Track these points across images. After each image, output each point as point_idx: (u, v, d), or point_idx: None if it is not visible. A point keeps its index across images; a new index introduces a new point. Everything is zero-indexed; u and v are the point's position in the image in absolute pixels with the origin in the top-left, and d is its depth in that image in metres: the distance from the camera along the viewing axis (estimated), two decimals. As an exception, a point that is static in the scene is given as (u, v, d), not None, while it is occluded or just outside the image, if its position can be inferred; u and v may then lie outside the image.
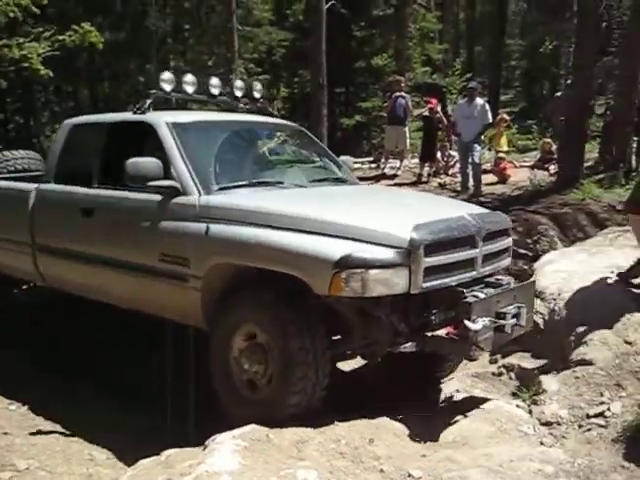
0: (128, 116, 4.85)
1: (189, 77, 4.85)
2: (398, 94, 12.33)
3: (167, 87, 4.76)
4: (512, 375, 4.60)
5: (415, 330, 3.63)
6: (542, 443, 3.58)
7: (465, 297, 3.54)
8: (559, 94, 14.61)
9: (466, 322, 3.44)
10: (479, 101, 10.60)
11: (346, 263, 3.35)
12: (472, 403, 4.05)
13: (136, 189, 4.31)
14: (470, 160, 10.40)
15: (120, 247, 4.50)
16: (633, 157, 10.69)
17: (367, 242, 3.45)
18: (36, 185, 5.28)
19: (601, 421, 3.70)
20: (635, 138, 10.74)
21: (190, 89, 4.87)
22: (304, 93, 18.75)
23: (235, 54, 17.70)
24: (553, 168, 11.38)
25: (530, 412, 3.95)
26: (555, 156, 11.76)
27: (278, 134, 5.49)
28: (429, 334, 3.66)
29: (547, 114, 16.26)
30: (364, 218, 3.68)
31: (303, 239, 3.52)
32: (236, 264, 3.81)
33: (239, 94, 5.17)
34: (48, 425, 4.48)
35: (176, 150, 4.31)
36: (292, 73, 21.78)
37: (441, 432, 3.69)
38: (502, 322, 3.59)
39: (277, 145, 5.39)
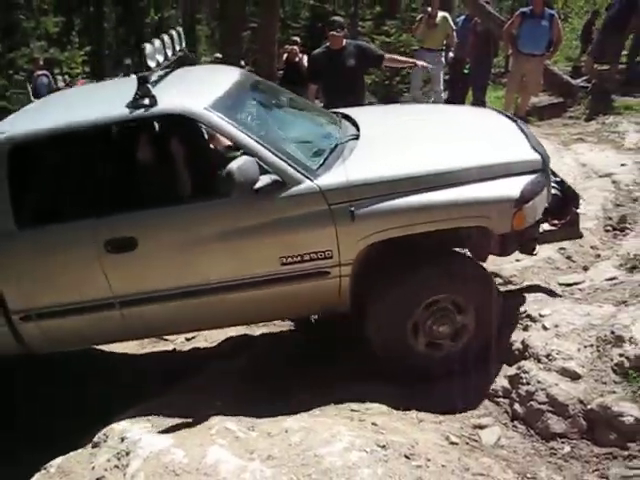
0: (127, 112, 3.66)
1: (149, 47, 3.81)
2: (40, 72, 11.64)
3: (153, 63, 3.82)
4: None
5: None
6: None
7: (571, 189, 4.23)
8: None
9: (575, 209, 4.16)
10: None
11: (523, 198, 3.52)
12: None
13: (201, 198, 3.72)
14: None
15: (211, 270, 3.68)
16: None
17: (517, 174, 3.62)
18: None
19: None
20: None
21: (163, 56, 3.98)
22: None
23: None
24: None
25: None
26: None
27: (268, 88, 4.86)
28: (542, 230, 4.09)
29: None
30: (492, 153, 3.79)
31: (473, 190, 3.52)
32: (393, 237, 3.53)
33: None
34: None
35: (248, 138, 3.58)
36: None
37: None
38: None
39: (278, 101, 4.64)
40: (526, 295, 4.23)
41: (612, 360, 3.32)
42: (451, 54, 10.01)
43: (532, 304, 4.03)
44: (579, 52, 13.96)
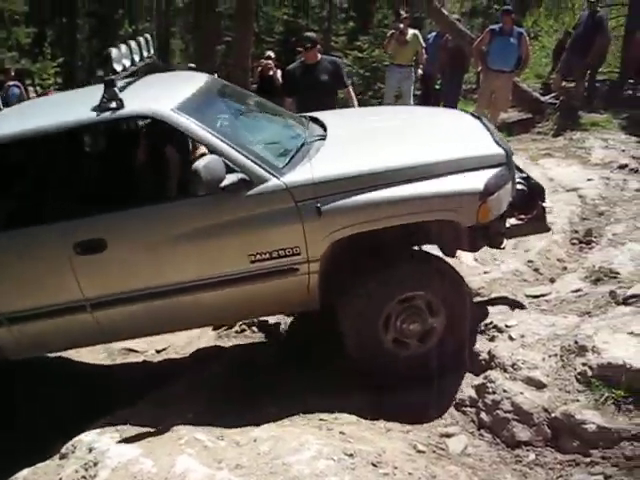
0: (94, 116, 3.68)
1: (115, 52, 3.84)
2: (11, 83, 11.52)
3: (119, 67, 3.85)
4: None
5: None
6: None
7: (537, 184, 4.26)
8: None
9: (542, 203, 4.19)
10: None
11: (487, 191, 3.58)
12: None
13: (168, 199, 3.80)
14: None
15: (180, 270, 3.69)
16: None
17: (480, 168, 3.67)
18: None
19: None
20: None
21: (129, 61, 4.01)
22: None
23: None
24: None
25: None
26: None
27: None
28: (509, 225, 4.12)
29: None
30: (456, 148, 3.85)
31: (438, 184, 3.57)
32: (361, 232, 3.55)
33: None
34: None
35: (215, 138, 3.61)
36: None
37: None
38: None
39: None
40: (493, 306, 4.30)
41: (576, 369, 3.38)
42: (420, 71, 10.16)
43: (499, 315, 4.10)
44: (549, 70, 14.23)
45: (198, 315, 3.92)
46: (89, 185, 3.90)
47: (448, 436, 3.38)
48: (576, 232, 5.70)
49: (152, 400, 3.96)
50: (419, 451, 3.17)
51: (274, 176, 3.58)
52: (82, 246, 3.62)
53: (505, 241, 4.10)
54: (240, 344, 4.98)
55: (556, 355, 3.51)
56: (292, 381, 3.97)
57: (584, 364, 3.36)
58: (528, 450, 3.22)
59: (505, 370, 3.53)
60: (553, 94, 10.82)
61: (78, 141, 4.05)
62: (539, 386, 3.38)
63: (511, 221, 4.15)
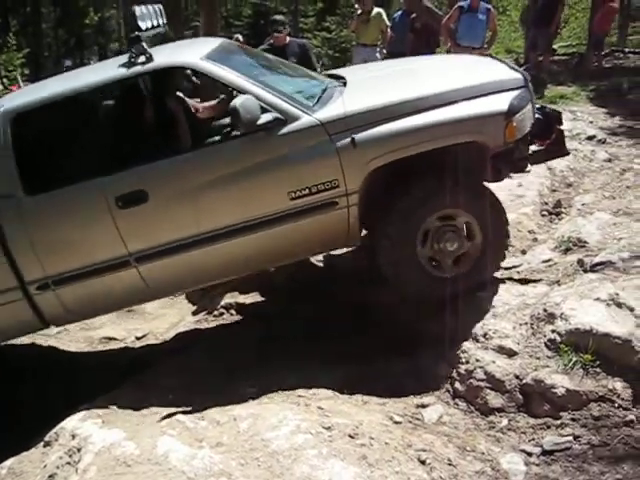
0: (126, 71, 3.81)
1: (139, 10, 3.94)
2: None
3: (144, 25, 3.95)
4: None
5: None
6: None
7: (553, 110, 4.43)
8: None
9: (559, 127, 4.28)
10: None
11: (512, 110, 3.73)
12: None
13: (204, 145, 3.97)
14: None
15: (223, 213, 3.75)
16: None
17: (502, 91, 3.83)
18: None
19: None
20: None
21: (150, 22, 4.10)
22: None
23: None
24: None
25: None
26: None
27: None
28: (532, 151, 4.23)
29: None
30: (477, 75, 4.08)
31: (464, 107, 3.70)
32: (396, 159, 3.67)
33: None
34: None
35: (246, 81, 3.76)
36: None
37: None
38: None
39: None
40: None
41: (545, 336, 3.48)
42: (384, 50, 10.15)
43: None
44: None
45: (241, 261, 3.94)
46: (126, 139, 3.98)
47: (424, 406, 3.46)
48: (546, 204, 5.81)
49: (133, 385, 4.01)
50: (395, 422, 3.25)
51: (306, 113, 3.71)
52: (124, 199, 3.69)
53: (530, 166, 4.26)
54: (219, 326, 5.03)
55: (526, 323, 3.61)
56: (270, 360, 4.03)
57: (553, 331, 3.46)
58: (501, 416, 3.32)
59: (477, 340, 3.63)
60: (524, 66, 10.91)
61: (110, 97, 4.22)
62: (510, 354, 3.48)
63: (532, 148, 4.27)
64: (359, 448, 2.86)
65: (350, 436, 2.93)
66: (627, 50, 14.09)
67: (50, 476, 3.08)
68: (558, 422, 3.15)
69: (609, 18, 11.63)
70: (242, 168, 3.68)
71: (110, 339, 5.50)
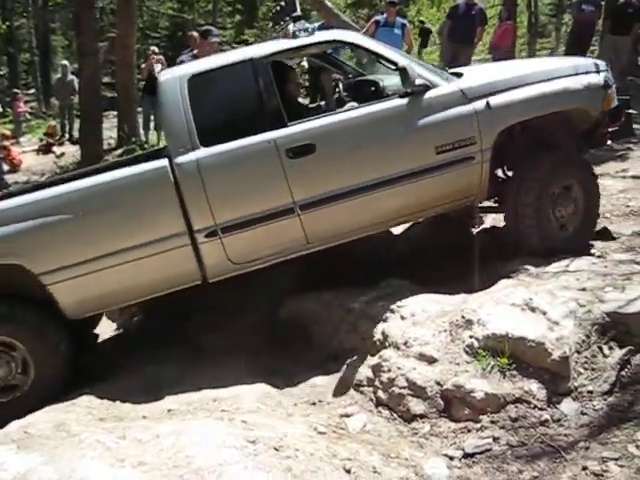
0: (293, 42, 4.45)
1: None
2: None
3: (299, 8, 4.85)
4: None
5: None
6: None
7: (622, 97, 5.01)
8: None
9: (627, 111, 5.06)
10: None
11: (607, 84, 4.66)
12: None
13: (366, 102, 4.40)
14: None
15: (382, 164, 4.26)
16: (142, 131, 12.52)
17: (593, 72, 4.69)
18: (167, 160, 4.07)
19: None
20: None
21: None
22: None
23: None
24: (60, 150, 13.13)
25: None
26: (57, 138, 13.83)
27: None
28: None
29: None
30: (569, 61, 5.07)
31: (572, 81, 4.54)
32: (522, 121, 4.46)
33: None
34: None
35: (397, 54, 4.54)
36: None
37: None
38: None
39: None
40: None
41: (464, 342, 3.57)
42: (304, 63, 10.25)
43: (391, 297, 4.25)
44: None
45: (392, 211, 4.41)
46: (297, 98, 4.90)
47: (347, 416, 3.49)
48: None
49: (50, 407, 3.87)
50: (320, 432, 3.26)
51: (447, 82, 4.41)
52: (294, 151, 4.13)
53: (609, 141, 5.02)
54: (138, 341, 4.94)
55: (445, 330, 3.69)
56: (193, 375, 3.98)
57: (471, 336, 3.56)
58: (423, 422, 3.37)
59: (398, 348, 3.68)
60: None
61: (284, 64, 4.98)
62: (430, 361, 3.55)
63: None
64: (284, 460, 2.85)
65: (275, 449, 2.92)
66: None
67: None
68: (478, 425, 3.23)
69: (508, 35, 12.04)
70: (399, 124, 4.28)
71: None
